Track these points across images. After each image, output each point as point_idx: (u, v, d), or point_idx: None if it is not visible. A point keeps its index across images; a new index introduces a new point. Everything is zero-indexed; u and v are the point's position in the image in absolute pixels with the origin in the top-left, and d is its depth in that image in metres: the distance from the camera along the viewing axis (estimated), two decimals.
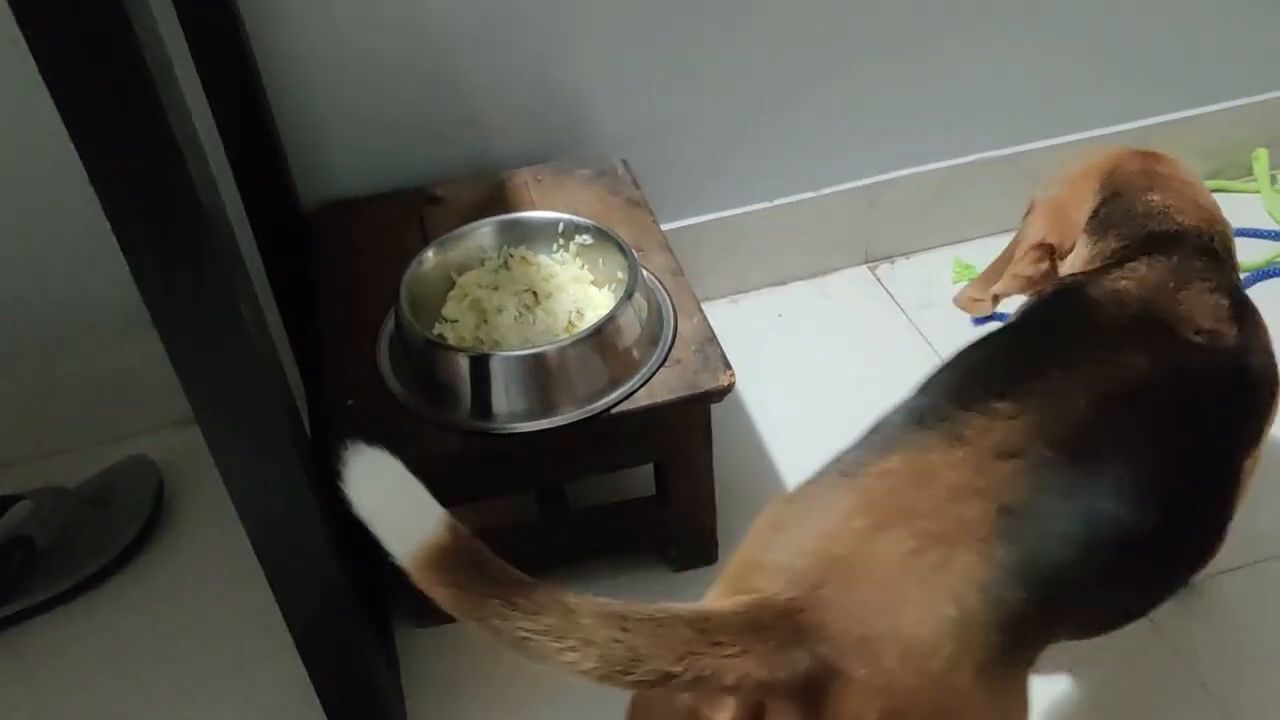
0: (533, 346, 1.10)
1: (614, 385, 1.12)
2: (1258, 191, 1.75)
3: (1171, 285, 0.96)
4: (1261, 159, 1.76)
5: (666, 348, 1.16)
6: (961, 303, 1.22)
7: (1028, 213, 1.16)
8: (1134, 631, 0.98)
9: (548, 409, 1.10)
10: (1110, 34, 1.62)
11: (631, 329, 1.13)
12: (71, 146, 0.67)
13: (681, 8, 1.41)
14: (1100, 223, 1.07)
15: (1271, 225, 1.70)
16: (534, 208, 1.33)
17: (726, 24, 1.44)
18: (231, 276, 0.77)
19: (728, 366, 1.14)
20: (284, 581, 0.94)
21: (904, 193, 1.67)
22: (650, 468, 1.26)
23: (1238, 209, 1.73)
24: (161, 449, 1.46)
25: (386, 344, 1.19)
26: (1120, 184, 1.10)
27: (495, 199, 1.37)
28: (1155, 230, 1.03)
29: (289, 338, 1.40)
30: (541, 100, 1.43)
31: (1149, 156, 1.13)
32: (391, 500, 0.70)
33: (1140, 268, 0.98)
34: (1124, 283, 0.96)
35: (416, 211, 1.36)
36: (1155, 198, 1.07)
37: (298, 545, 0.92)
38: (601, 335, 1.10)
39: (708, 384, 1.12)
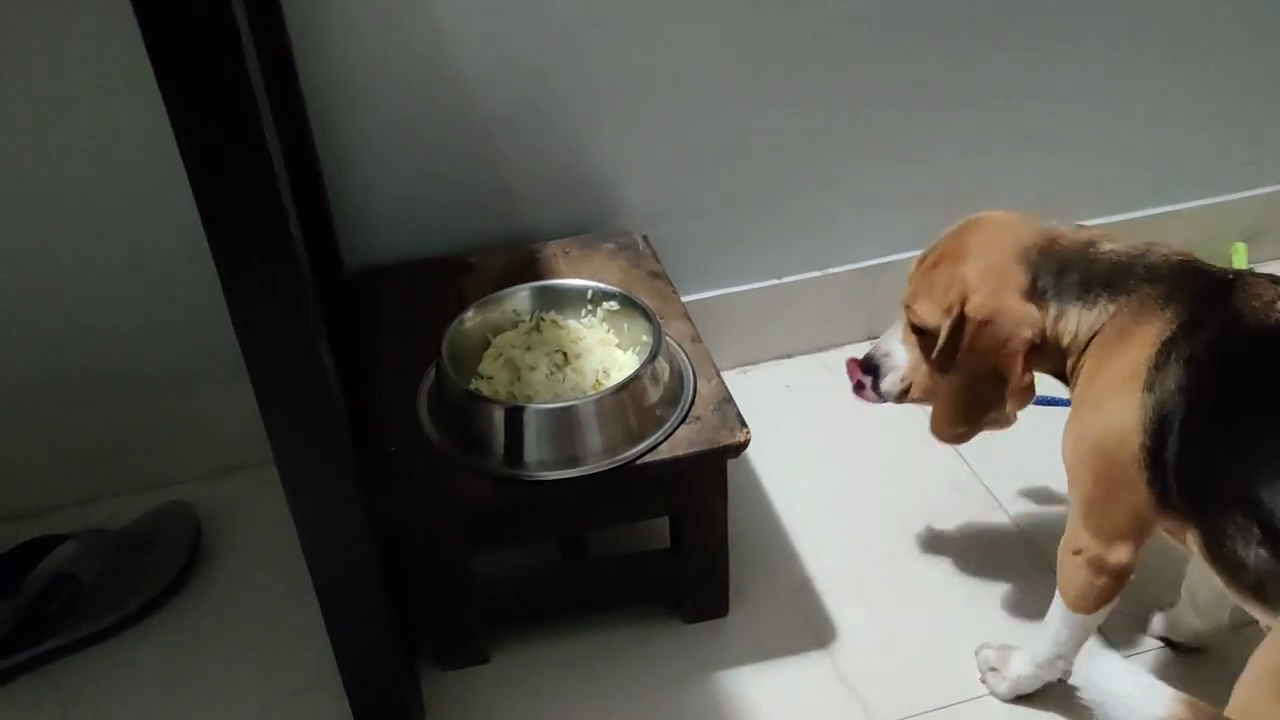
0: (564, 400, 1.18)
1: (638, 439, 1.20)
2: None
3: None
4: (1240, 252, 1.87)
5: (687, 406, 1.24)
6: (946, 438, 1.21)
7: (952, 328, 1.13)
8: None
9: (575, 460, 1.18)
10: (1102, 133, 1.74)
11: (655, 387, 1.21)
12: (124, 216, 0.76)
13: (703, 101, 1.53)
14: (1078, 287, 1.08)
15: None
16: (563, 277, 1.43)
17: (743, 116, 1.56)
18: (317, 332, 0.86)
19: (744, 424, 1.22)
20: (336, 613, 1.01)
21: (903, 274, 1.76)
22: (665, 523, 1.33)
23: None
24: (197, 498, 1.53)
25: (425, 397, 1.27)
26: (1050, 250, 1.11)
27: (526, 268, 1.46)
28: (1163, 269, 1.06)
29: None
30: (571, 178, 1.54)
31: (1020, 219, 1.15)
32: (1130, 690, 0.92)
33: (1244, 292, 1.01)
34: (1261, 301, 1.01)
35: (452, 278, 1.46)
36: (1107, 246, 1.10)
37: (353, 576, 0.99)
38: (628, 391, 1.19)
39: (725, 440, 1.20)
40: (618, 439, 1.19)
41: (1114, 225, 1.80)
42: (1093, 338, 1.07)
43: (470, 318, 1.31)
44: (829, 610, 1.37)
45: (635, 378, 1.20)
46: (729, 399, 1.26)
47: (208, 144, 0.75)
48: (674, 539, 1.33)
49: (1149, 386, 1.00)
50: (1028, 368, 1.11)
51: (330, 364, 0.90)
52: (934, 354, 1.15)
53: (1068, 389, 1.13)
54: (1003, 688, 1.24)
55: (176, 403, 1.52)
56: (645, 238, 1.53)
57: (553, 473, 1.17)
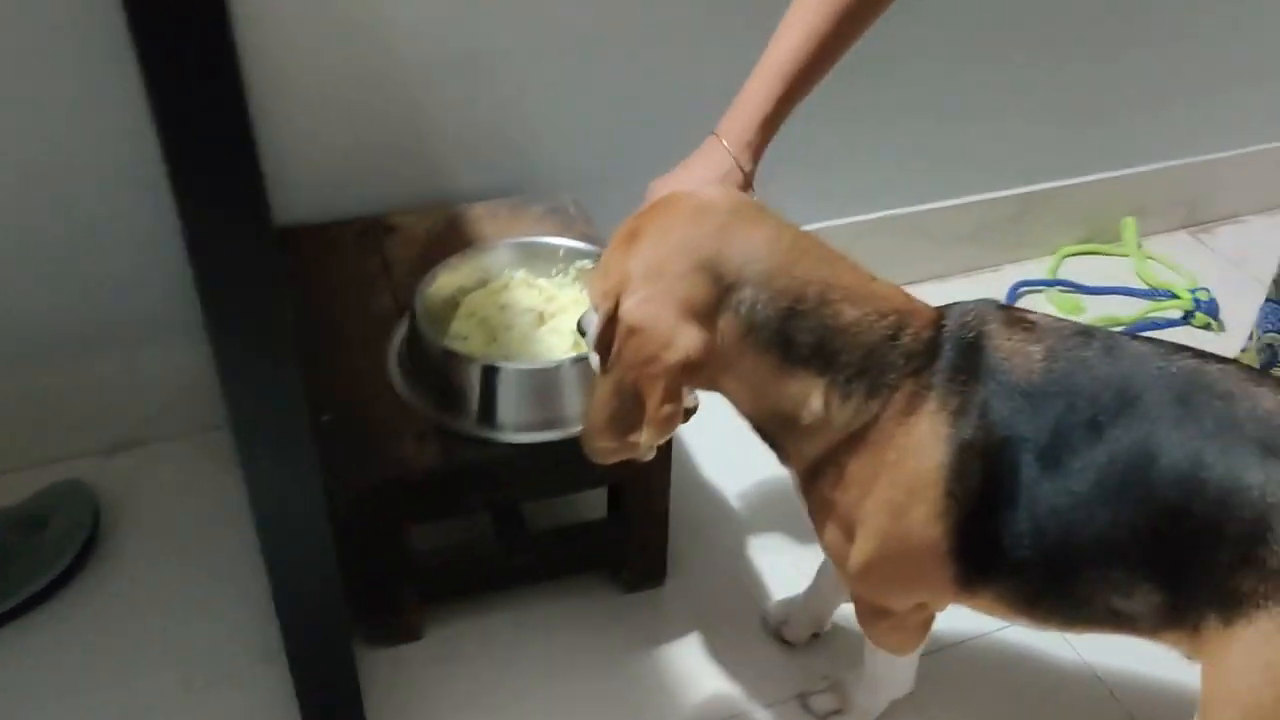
0: (544, 361, 1.16)
1: None
2: (1127, 255, 1.94)
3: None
4: (1130, 226, 1.95)
5: None
6: (590, 449, 1.00)
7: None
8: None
9: (553, 423, 1.15)
10: (999, 110, 1.78)
11: None
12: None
13: (634, 60, 1.50)
14: (818, 356, 0.91)
15: (1140, 285, 1.88)
16: (494, 239, 1.38)
17: (675, 76, 1.54)
18: (284, 289, 0.80)
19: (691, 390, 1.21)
20: (287, 589, 0.95)
21: (847, 237, 1.78)
22: (600, 493, 1.31)
23: (1111, 270, 1.92)
24: (94, 475, 1.43)
25: (395, 356, 1.22)
26: (767, 283, 0.90)
27: (452, 230, 1.41)
28: (918, 352, 0.92)
29: None
30: (497, 138, 1.49)
31: (736, 212, 0.94)
32: None
33: (996, 352, 0.91)
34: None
35: (374, 240, 1.39)
36: (848, 313, 0.91)
37: (308, 551, 0.93)
38: None
39: None
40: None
41: (1018, 196, 1.86)
42: (850, 435, 0.93)
43: (439, 277, 1.26)
44: (765, 576, 1.37)
45: None
46: None
47: (181, 91, 0.69)
48: (613, 507, 1.31)
49: (950, 495, 0.90)
50: (671, 398, 0.92)
51: (292, 326, 0.84)
52: (592, 343, 0.97)
53: (779, 456, 1.00)
54: None
55: (70, 373, 1.41)
56: (575, 201, 1.49)
57: (529, 435, 1.14)
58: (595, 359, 0.97)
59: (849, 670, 1.20)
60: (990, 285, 1.87)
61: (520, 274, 1.31)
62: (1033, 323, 0.93)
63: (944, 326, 0.93)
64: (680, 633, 1.31)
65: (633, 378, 0.92)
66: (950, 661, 1.28)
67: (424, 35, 1.38)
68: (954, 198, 1.85)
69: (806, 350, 0.90)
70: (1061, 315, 1.75)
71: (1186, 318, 1.80)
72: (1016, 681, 1.27)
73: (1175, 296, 1.82)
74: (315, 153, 1.40)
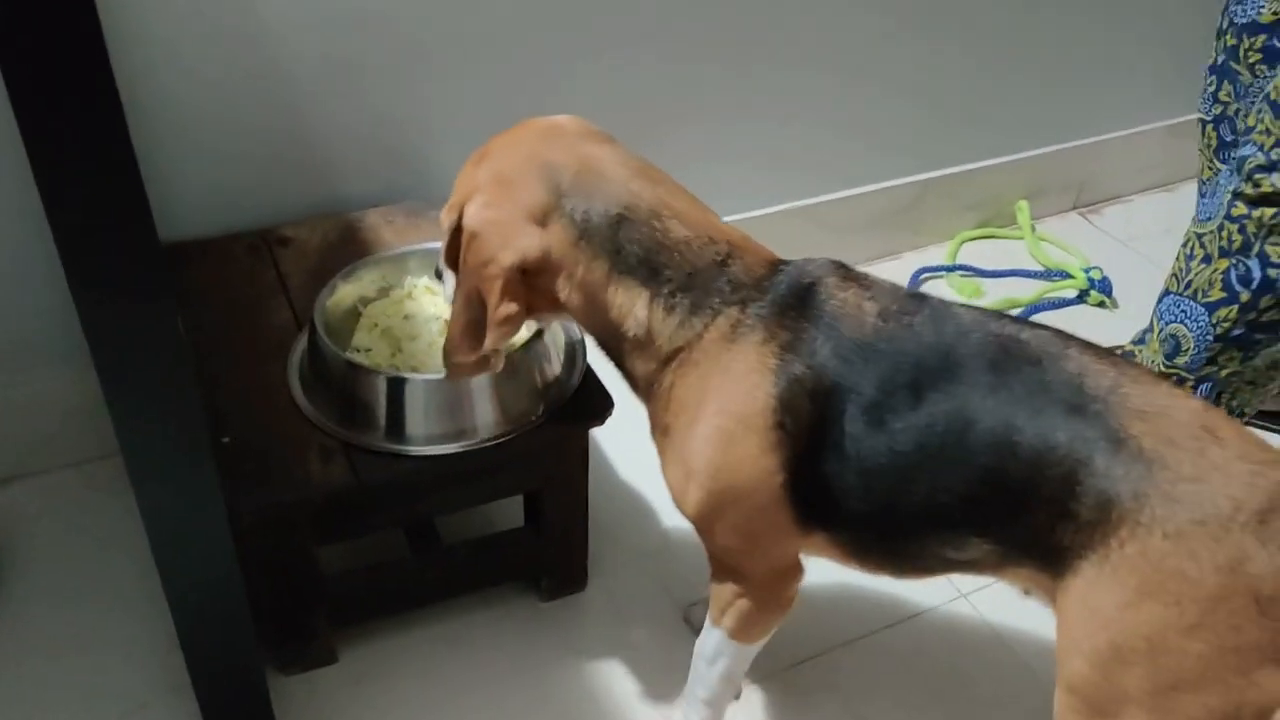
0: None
1: (529, 411, 1.16)
2: (1022, 238, 1.98)
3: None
4: (1024, 209, 1.99)
5: (580, 376, 1.20)
6: (448, 367, 1.04)
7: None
8: None
9: (464, 434, 1.12)
10: (893, 100, 1.80)
11: (550, 357, 1.17)
12: None
13: (522, 61, 1.48)
14: (644, 266, 0.94)
15: (1036, 266, 1.92)
16: (391, 246, 1.34)
17: (562, 77, 1.52)
18: (172, 307, 0.76)
19: (606, 393, 1.19)
20: (190, 619, 0.91)
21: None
22: (514, 501, 1.28)
23: (1007, 253, 1.95)
24: None
25: (296, 371, 1.18)
26: (593, 188, 0.95)
27: (348, 239, 1.37)
28: (746, 284, 0.95)
29: None
30: (387, 144, 1.45)
31: (576, 133, 0.99)
32: None
33: (831, 300, 0.94)
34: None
35: (267, 252, 1.34)
36: (676, 230, 0.95)
37: (212, 578, 0.89)
38: (525, 359, 1.14)
39: (590, 410, 1.17)
40: (509, 410, 1.14)
41: (914, 184, 1.88)
42: (675, 352, 0.96)
43: (339, 288, 1.21)
44: (687, 576, 1.36)
45: (529, 346, 1.15)
46: (589, 368, 1.22)
47: (54, 110, 0.64)
48: (530, 515, 1.28)
49: (779, 426, 0.92)
50: (510, 296, 0.96)
51: (184, 344, 0.80)
52: (440, 257, 1.02)
53: (631, 387, 1.03)
54: None
55: None
56: None
57: (439, 446, 1.11)
58: (449, 281, 1.02)
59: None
60: (893, 272, 1.89)
61: (423, 281, 1.27)
62: (870, 283, 0.96)
63: (780, 270, 0.96)
64: (604, 638, 1.29)
65: (475, 283, 0.96)
66: (872, 649, 1.28)
67: (304, 43, 1.34)
68: (851, 188, 1.86)
69: (634, 260, 0.94)
70: (961, 298, 1.81)
71: (1082, 296, 1.84)
72: (939, 666, 1.28)
73: (1070, 276, 1.86)
74: (200, 166, 1.34)
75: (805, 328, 0.92)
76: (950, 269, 1.89)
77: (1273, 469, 0.82)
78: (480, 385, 1.13)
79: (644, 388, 1.00)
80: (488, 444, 1.13)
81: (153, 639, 1.23)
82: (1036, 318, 1.81)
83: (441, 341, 1.18)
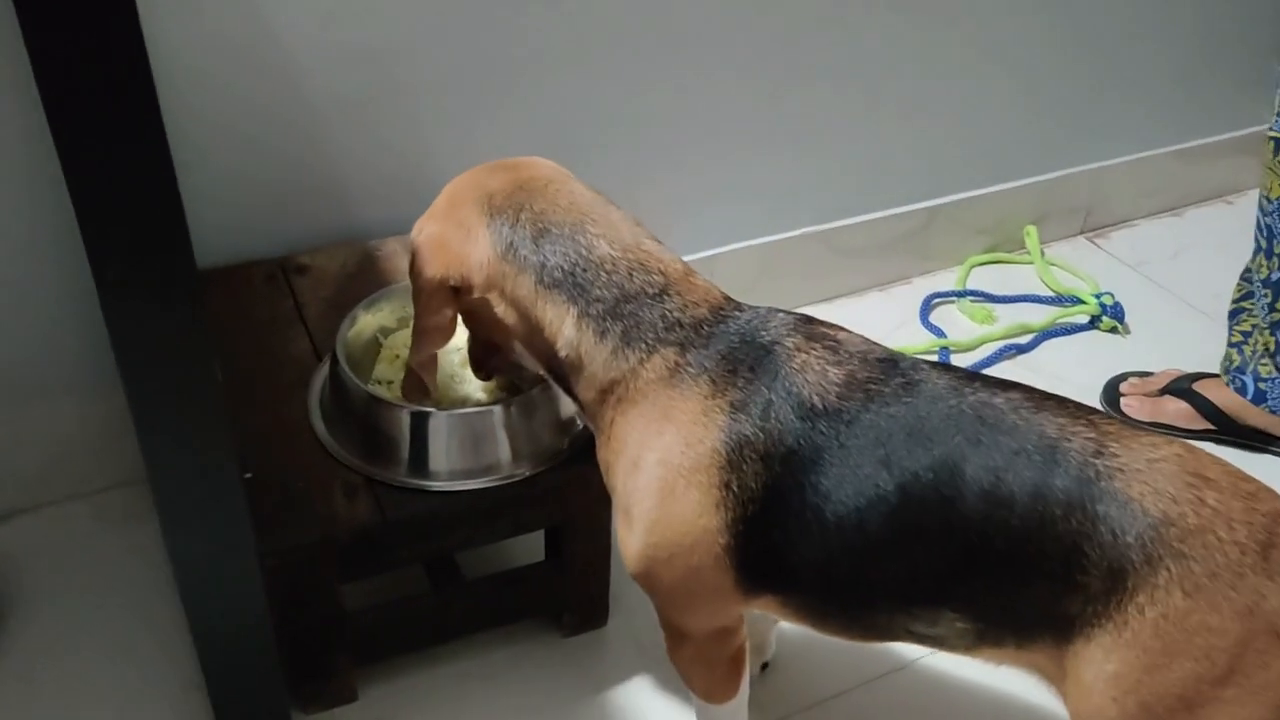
0: (474, 406, 1.11)
1: (553, 446, 1.15)
2: (1031, 263, 1.98)
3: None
4: (1032, 234, 1.99)
5: None
6: (410, 395, 1.09)
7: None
8: None
9: (486, 469, 1.11)
10: (902, 126, 1.80)
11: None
12: None
13: (537, 89, 1.47)
14: (572, 285, 0.94)
15: (1046, 292, 1.92)
16: (402, 277, 1.32)
17: (578, 105, 1.52)
18: (205, 339, 0.74)
19: None
20: (218, 657, 0.89)
21: (732, 265, 1.76)
22: (535, 536, 1.26)
23: (1017, 278, 1.95)
24: None
25: (318, 404, 1.16)
26: (520, 206, 0.97)
27: (366, 268, 1.35)
28: (686, 325, 0.93)
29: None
30: (403, 172, 1.43)
31: (527, 169, 1.01)
32: None
33: (789, 363, 0.91)
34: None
35: (284, 281, 1.32)
36: (602, 247, 0.95)
37: (241, 618, 0.87)
38: (543, 397, 1.13)
39: None
40: (531, 446, 1.13)
41: (923, 210, 1.88)
42: (612, 384, 0.94)
43: (360, 318, 1.20)
44: None
45: (549, 384, 1.12)
46: None
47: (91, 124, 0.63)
48: (552, 550, 1.26)
49: (725, 485, 0.89)
50: (435, 309, 1.00)
51: (218, 381, 0.78)
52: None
53: (583, 417, 1.02)
54: None
55: None
56: None
57: (464, 482, 1.10)
58: None
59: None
60: (903, 298, 1.89)
61: None
62: (838, 342, 0.93)
63: (728, 316, 0.94)
64: (627, 674, 1.27)
65: (414, 295, 1.02)
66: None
67: (321, 75, 1.33)
68: (861, 214, 1.85)
69: (559, 274, 0.95)
70: (974, 324, 1.81)
71: (1094, 322, 1.84)
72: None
73: (1082, 302, 1.86)
74: (217, 194, 1.32)
75: (760, 390, 0.90)
76: (961, 294, 1.88)
77: (1263, 500, 0.82)
78: (503, 421, 1.11)
79: (590, 417, 0.99)
80: (513, 479, 1.12)
81: (167, 677, 1.21)
82: (1049, 344, 1.80)
83: (464, 372, 1.17)
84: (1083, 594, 0.81)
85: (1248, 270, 1.54)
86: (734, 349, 0.91)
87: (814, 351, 0.91)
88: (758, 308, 0.95)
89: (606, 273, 0.94)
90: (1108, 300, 1.84)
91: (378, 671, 1.23)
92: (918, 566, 0.87)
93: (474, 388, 1.16)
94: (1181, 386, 1.61)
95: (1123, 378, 1.68)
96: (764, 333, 0.92)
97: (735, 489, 0.89)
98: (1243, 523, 0.79)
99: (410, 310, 1.24)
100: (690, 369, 0.91)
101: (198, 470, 0.79)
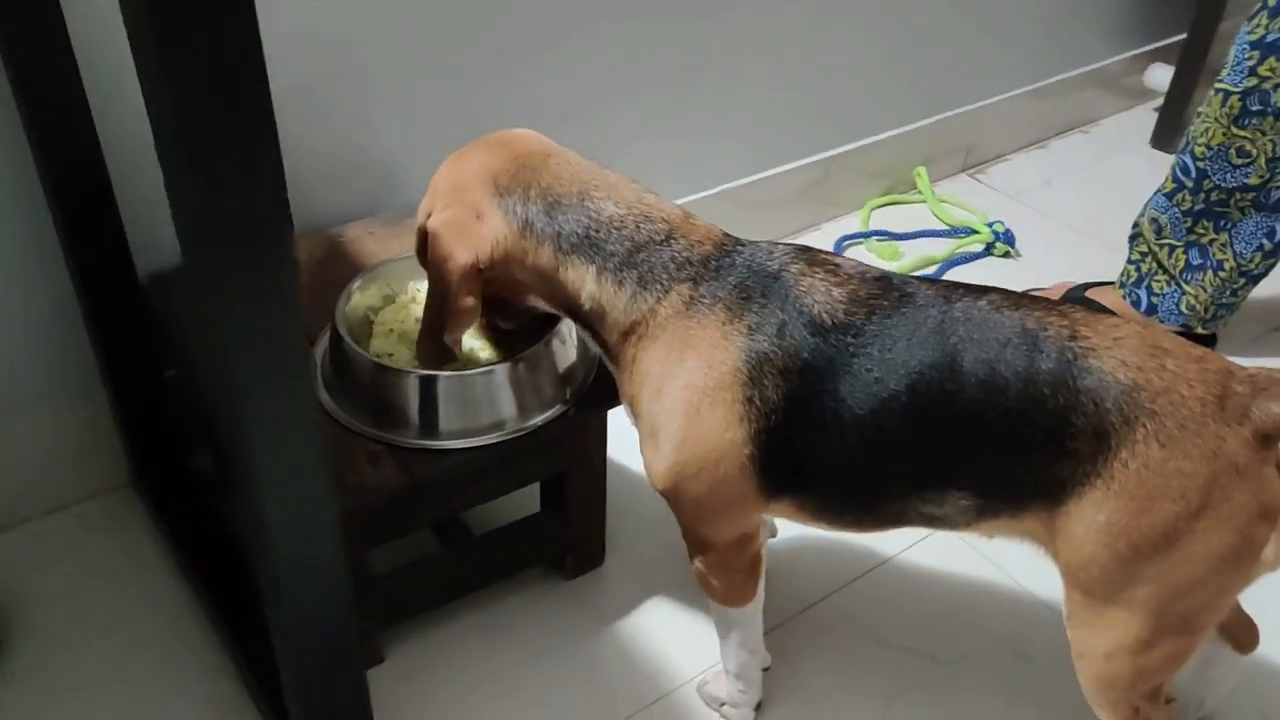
0: (480, 367, 1.18)
1: (552, 400, 1.22)
2: (924, 201, 2.13)
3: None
4: (922, 175, 2.15)
5: (594, 365, 1.26)
6: (431, 362, 1.15)
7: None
8: None
9: (493, 426, 1.17)
10: (799, 86, 1.93)
11: (565, 347, 1.23)
12: None
13: (486, 71, 1.53)
14: (587, 244, 1.04)
15: (942, 226, 2.08)
16: (378, 257, 1.37)
17: (527, 85, 1.59)
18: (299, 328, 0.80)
19: None
20: (297, 618, 0.93)
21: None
22: (531, 487, 1.34)
23: (913, 216, 2.11)
24: None
25: (320, 379, 1.21)
26: (528, 182, 1.06)
27: (334, 255, 1.40)
28: (694, 262, 1.02)
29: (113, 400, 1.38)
30: (356, 160, 1.48)
31: (524, 142, 1.10)
32: None
33: (797, 285, 1.00)
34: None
35: None
36: (608, 208, 1.05)
37: (321, 576, 0.92)
38: (544, 351, 1.20)
39: (605, 393, 1.24)
40: (534, 400, 1.20)
41: (821, 160, 2.01)
42: (633, 325, 1.04)
43: (354, 295, 1.25)
44: None
45: (550, 339, 1.20)
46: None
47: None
48: (549, 499, 1.34)
49: (748, 400, 0.98)
50: (467, 290, 1.06)
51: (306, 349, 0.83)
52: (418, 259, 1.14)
53: (609, 364, 1.11)
54: (737, 714, 1.22)
55: None
56: None
57: (474, 439, 1.16)
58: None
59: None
60: (816, 243, 1.97)
61: (424, 285, 1.31)
62: (836, 265, 1.03)
63: (733, 251, 1.03)
64: (628, 606, 1.36)
65: (440, 279, 1.07)
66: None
67: (271, 62, 1.35)
68: (768, 169, 1.97)
69: (575, 239, 1.04)
70: (882, 261, 1.95)
71: (988, 249, 2.01)
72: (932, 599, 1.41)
73: (975, 232, 2.02)
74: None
75: (773, 312, 0.99)
76: (868, 235, 2.03)
77: (1211, 361, 0.95)
78: (508, 378, 1.18)
79: (613, 357, 1.09)
80: (523, 432, 1.19)
81: (192, 667, 1.25)
82: (952, 272, 1.96)
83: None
84: (1073, 459, 0.94)
85: (1157, 200, 1.70)
86: (744, 279, 1.01)
87: (817, 275, 1.01)
88: (757, 242, 1.05)
89: (616, 229, 1.04)
90: (999, 228, 2.01)
91: (400, 632, 1.29)
92: (928, 454, 0.99)
93: (478, 346, 1.22)
94: (1076, 295, 1.79)
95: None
96: (770, 262, 1.02)
97: (758, 403, 0.99)
98: (1199, 381, 0.93)
99: (393, 289, 1.31)
100: (705, 300, 1.01)
101: (295, 434, 0.84)
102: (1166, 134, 2.36)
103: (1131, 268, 1.76)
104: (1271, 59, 1.51)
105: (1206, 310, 1.69)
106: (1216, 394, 0.93)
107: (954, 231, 2.05)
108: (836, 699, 1.27)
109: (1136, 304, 1.74)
